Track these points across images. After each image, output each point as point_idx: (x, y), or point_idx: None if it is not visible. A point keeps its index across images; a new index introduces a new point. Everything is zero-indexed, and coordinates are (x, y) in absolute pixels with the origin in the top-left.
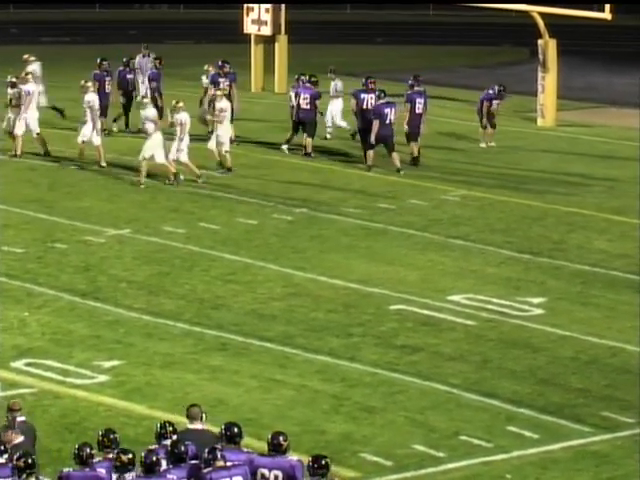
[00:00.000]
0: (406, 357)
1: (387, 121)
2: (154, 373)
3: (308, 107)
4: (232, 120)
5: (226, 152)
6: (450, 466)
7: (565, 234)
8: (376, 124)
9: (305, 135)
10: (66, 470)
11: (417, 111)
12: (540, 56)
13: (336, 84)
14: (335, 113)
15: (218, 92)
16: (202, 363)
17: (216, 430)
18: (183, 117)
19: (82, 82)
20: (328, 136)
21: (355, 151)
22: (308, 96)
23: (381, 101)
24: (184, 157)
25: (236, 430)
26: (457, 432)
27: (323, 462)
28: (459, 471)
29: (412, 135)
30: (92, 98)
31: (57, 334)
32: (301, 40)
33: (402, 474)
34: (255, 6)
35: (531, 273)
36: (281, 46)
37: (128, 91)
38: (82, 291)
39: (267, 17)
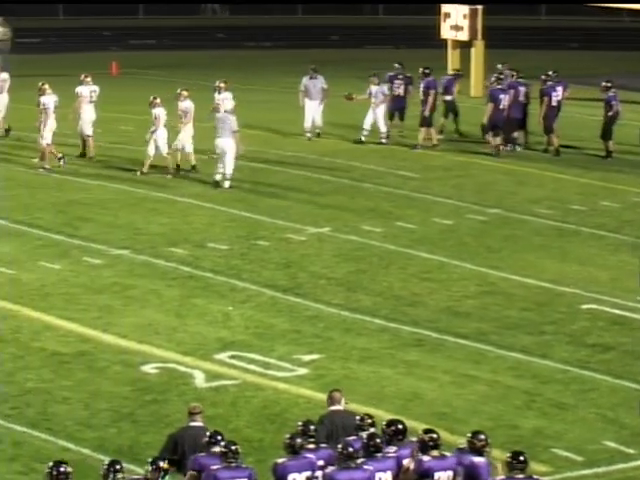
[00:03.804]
0: (597, 355)
1: (501, 106)
2: (352, 367)
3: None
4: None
5: (168, 154)
6: None
7: None
8: (490, 107)
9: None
10: (280, 461)
11: (553, 104)
12: None
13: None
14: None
15: (184, 92)
16: (398, 358)
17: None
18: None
19: (40, 84)
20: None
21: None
22: (522, 89)
23: (497, 86)
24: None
25: (400, 427)
26: None
27: (522, 458)
28: None
29: (549, 127)
30: (47, 100)
31: (259, 328)
32: (496, 45)
33: (593, 469)
34: (453, 12)
35: None
36: (478, 51)
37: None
38: (283, 287)
39: (464, 23)
